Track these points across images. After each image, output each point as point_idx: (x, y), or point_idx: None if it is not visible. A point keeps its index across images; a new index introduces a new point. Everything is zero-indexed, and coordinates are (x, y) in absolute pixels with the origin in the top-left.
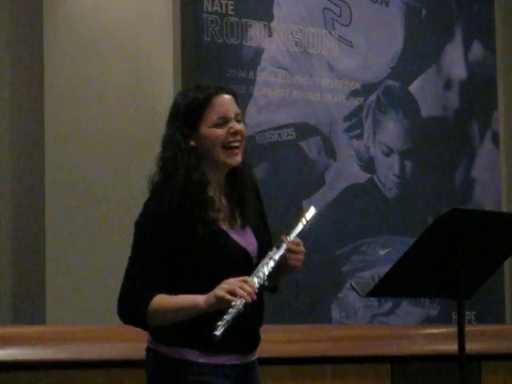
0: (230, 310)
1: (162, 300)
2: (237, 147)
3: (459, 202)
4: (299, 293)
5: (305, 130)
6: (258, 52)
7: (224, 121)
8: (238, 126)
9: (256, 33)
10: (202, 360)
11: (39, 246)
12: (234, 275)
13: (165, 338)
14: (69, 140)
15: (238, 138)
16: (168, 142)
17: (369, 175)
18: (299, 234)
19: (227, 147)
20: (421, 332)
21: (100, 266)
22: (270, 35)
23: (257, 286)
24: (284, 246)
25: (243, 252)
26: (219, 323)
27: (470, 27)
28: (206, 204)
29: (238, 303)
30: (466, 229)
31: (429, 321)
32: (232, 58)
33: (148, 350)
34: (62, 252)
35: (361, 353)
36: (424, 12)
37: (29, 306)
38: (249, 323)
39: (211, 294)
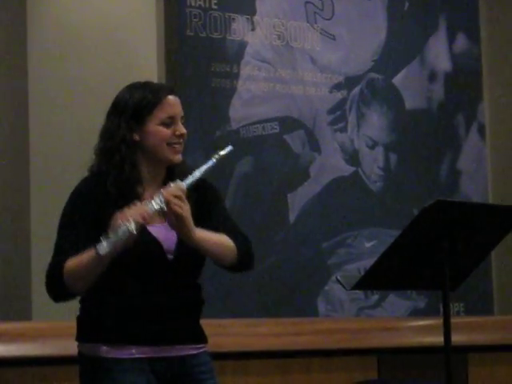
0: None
1: (71, 261)
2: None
3: (445, 194)
4: (285, 286)
5: (289, 124)
6: (242, 46)
7: (171, 121)
8: (183, 129)
9: (239, 27)
10: (110, 355)
11: (25, 242)
12: (145, 265)
13: (80, 335)
14: (54, 135)
15: (181, 140)
16: (110, 133)
17: (353, 168)
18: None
19: (171, 145)
20: (407, 324)
21: None
22: (253, 29)
23: (150, 211)
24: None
25: (155, 244)
26: (103, 238)
27: (454, 19)
28: (130, 197)
29: (128, 224)
30: (450, 220)
31: (416, 313)
32: (215, 52)
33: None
34: (47, 248)
35: (347, 346)
36: (407, 4)
37: (15, 303)
38: (163, 313)
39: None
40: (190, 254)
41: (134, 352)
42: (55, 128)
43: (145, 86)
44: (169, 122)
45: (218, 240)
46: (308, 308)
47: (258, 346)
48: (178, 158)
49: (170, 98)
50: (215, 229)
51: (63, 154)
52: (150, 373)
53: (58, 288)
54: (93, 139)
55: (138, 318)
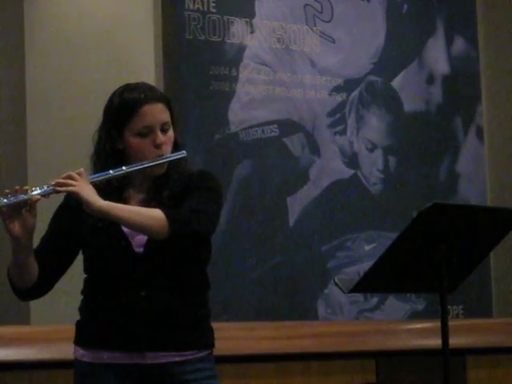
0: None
1: None
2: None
3: (444, 196)
4: (284, 289)
5: (288, 127)
6: (241, 49)
7: (148, 130)
8: (162, 138)
9: (238, 30)
10: (85, 359)
11: None
12: (113, 260)
13: (74, 337)
14: (52, 138)
15: (162, 150)
16: (98, 139)
17: (353, 171)
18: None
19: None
20: (406, 327)
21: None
22: (252, 32)
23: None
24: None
25: (122, 237)
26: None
27: (452, 22)
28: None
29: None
30: (447, 223)
31: (415, 316)
32: (214, 55)
33: None
34: None
35: (346, 349)
36: (405, 7)
37: (12, 307)
38: (136, 316)
39: None
40: (162, 248)
41: (106, 357)
42: (53, 132)
43: (128, 91)
44: (146, 132)
45: (136, 209)
46: (308, 311)
47: (257, 350)
48: (161, 170)
49: (146, 107)
50: None
51: (60, 158)
52: (126, 379)
53: (11, 286)
54: (89, 140)
55: (109, 320)
